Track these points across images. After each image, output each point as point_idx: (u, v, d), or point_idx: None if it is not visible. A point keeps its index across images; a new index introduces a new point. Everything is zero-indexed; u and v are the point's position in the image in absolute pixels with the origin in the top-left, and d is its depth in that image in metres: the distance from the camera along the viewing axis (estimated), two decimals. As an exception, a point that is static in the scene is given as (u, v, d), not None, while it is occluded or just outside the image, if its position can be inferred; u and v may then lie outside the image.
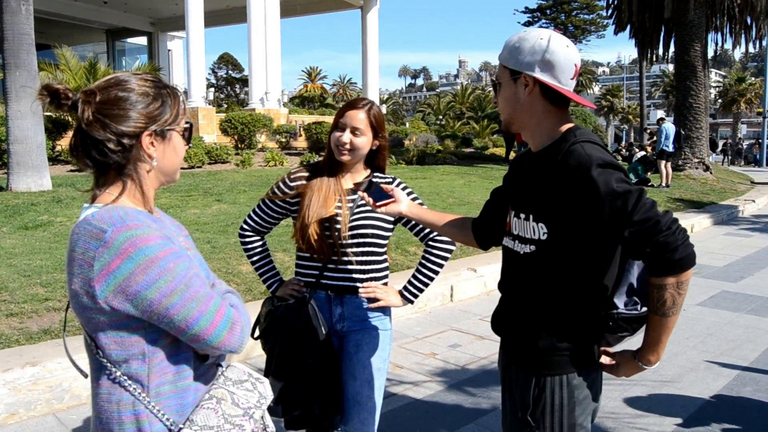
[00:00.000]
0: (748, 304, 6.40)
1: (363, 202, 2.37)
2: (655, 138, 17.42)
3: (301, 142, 19.06)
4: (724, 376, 4.45)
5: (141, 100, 1.43)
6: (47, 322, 4.40)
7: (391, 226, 2.52)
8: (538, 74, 1.71)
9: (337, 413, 2.42)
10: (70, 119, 12.90)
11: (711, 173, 18.26)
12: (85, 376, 1.48)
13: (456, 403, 3.99)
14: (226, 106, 36.60)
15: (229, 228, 7.34)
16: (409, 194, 2.47)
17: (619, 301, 1.75)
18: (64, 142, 13.13)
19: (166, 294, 1.33)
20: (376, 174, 2.56)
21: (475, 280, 6.72)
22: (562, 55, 1.70)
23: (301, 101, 54.88)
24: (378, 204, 2.16)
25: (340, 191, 2.45)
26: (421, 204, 2.42)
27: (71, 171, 11.89)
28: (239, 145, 16.69)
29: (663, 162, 15.44)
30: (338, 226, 2.39)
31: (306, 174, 2.51)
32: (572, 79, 1.73)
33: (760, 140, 37.26)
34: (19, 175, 9.24)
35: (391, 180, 2.55)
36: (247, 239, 2.65)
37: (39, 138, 9.45)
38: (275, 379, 2.38)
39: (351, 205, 2.44)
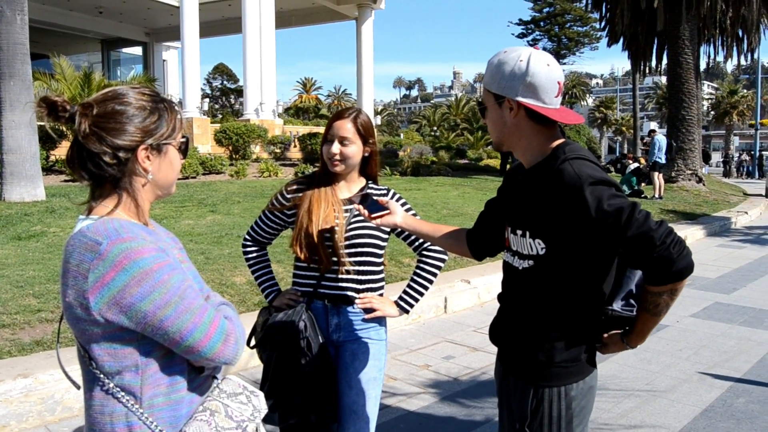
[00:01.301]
0: (740, 316, 6.42)
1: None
2: (647, 148, 17.50)
3: (295, 153, 19.06)
4: (717, 387, 4.46)
5: (138, 114, 1.44)
6: (40, 333, 4.38)
7: (386, 236, 2.55)
8: (521, 98, 1.71)
9: (333, 422, 2.43)
10: (64, 129, 12.87)
11: (704, 185, 18.36)
12: (78, 387, 1.48)
13: (449, 415, 3.99)
14: (220, 116, 36.58)
15: (223, 239, 7.33)
16: (403, 205, 2.50)
17: (617, 304, 1.78)
18: (59, 152, 13.11)
19: (161, 306, 1.33)
20: (370, 186, 2.58)
21: (468, 291, 6.72)
22: (543, 76, 1.70)
23: (295, 112, 54.93)
24: (373, 216, 2.19)
25: (336, 201, 2.47)
26: (414, 215, 2.45)
27: (65, 181, 11.86)
28: (234, 156, 16.68)
29: (656, 174, 15.52)
30: (335, 236, 2.41)
31: (302, 185, 2.54)
32: (557, 96, 1.73)
33: (752, 152, 37.46)
34: (12, 186, 9.21)
35: (385, 191, 2.58)
36: (248, 249, 2.69)
37: (33, 148, 9.43)
38: (272, 387, 2.39)
39: (347, 215, 2.47)
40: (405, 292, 2.59)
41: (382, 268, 2.58)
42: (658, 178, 15.46)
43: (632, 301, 1.78)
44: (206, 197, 10.33)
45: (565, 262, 1.71)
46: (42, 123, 11.62)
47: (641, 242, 1.58)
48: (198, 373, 1.48)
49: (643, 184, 16.82)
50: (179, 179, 1.71)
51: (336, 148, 2.43)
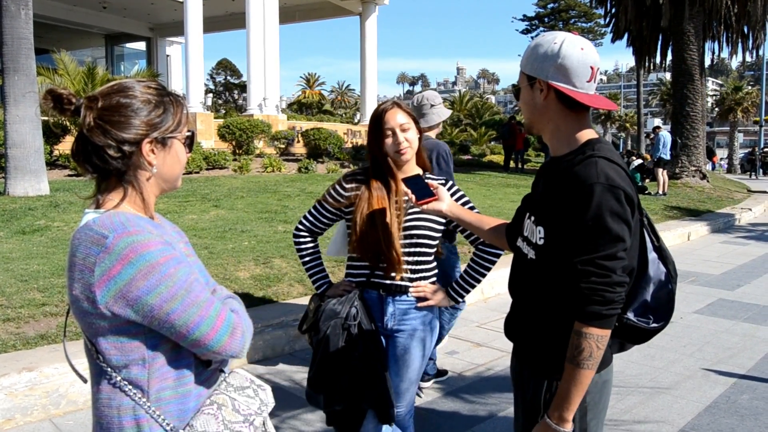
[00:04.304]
0: (744, 312, 6.41)
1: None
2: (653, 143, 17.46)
3: (299, 148, 19.07)
4: (721, 383, 4.46)
5: (143, 107, 1.43)
6: (44, 327, 4.39)
7: (441, 227, 2.58)
8: (552, 80, 1.71)
9: (391, 407, 2.49)
10: (68, 124, 12.90)
11: (708, 181, 18.32)
12: (85, 381, 1.48)
13: (453, 410, 3.99)
14: (224, 111, 36.62)
15: (226, 234, 7.34)
16: (460, 198, 2.56)
17: (631, 314, 1.75)
18: (63, 147, 13.12)
19: (167, 299, 1.33)
20: (428, 176, 2.63)
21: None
22: (576, 59, 1.69)
23: (299, 107, 54.93)
24: (420, 202, 2.20)
25: (394, 194, 2.51)
26: (471, 207, 2.52)
27: (69, 176, 11.88)
28: (237, 151, 16.68)
29: (660, 170, 15.48)
30: (395, 244, 2.46)
31: (360, 178, 2.59)
32: (589, 81, 1.71)
33: (758, 148, 37.14)
34: (16, 180, 9.22)
35: (443, 180, 2.62)
36: (301, 239, 2.74)
37: (37, 142, 9.44)
38: (319, 370, 2.46)
39: (405, 205, 2.51)
40: (457, 282, 2.66)
41: (434, 257, 2.64)
42: (662, 174, 15.42)
43: (649, 315, 1.75)
44: (210, 192, 10.34)
45: (558, 256, 1.70)
46: (46, 118, 11.64)
47: (588, 269, 1.59)
48: (205, 366, 1.48)
49: (647, 181, 16.78)
50: (183, 174, 1.71)
51: (401, 137, 2.48)
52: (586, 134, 1.76)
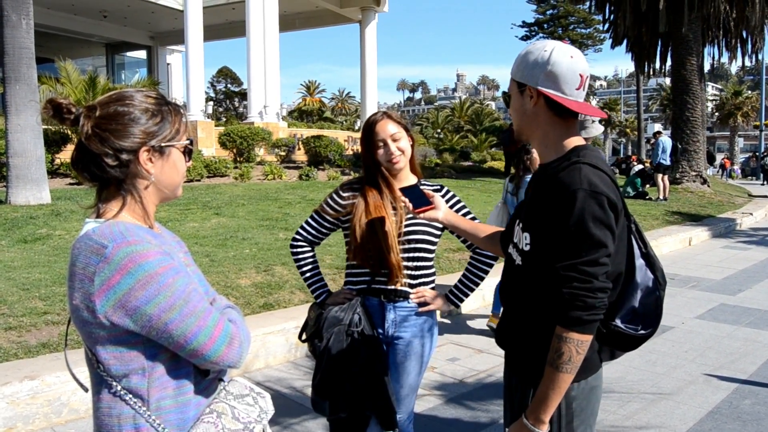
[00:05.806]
0: (746, 317, 6.40)
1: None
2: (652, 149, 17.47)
3: (300, 156, 19.08)
4: (723, 389, 4.45)
5: (140, 116, 1.44)
6: (46, 335, 4.39)
7: (439, 232, 2.62)
8: (542, 87, 1.73)
9: (395, 412, 2.51)
10: (69, 132, 12.93)
11: (708, 186, 18.31)
12: (86, 390, 1.49)
13: (455, 417, 3.99)
14: (224, 119, 36.59)
15: (227, 241, 7.34)
16: (457, 203, 2.60)
17: (619, 320, 1.76)
18: (64, 156, 13.14)
19: (165, 309, 1.34)
20: (423, 182, 2.64)
21: (474, 293, 6.69)
22: (565, 66, 1.71)
23: (299, 115, 54.99)
24: (417, 210, 2.23)
25: (390, 202, 2.54)
26: (466, 213, 2.56)
27: (70, 184, 11.89)
28: (238, 159, 16.70)
29: (660, 175, 15.48)
30: (392, 239, 2.48)
31: (357, 187, 2.62)
32: (578, 89, 1.74)
33: (757, 153, 37.06)
34: (18, 189, 9.24)
35: (438, 188, 2.64)
36: (299, 249, 2.75)
37: (38, 151, 9.45)
38: (325, 375, 2.48)
39: (403, 213, 2.53)
40: (456, 287, 2.70)
41: (433, 263, 2.66)
42: (662, 180, 15.42)
43: (637, 321, 1.76)
44: (211, 200, 10.35)
45: (543, 262, 1.70)
46: (47, 126, 11.66)
47: (570, 274, 1.60)
48: (204, 375, 1.49)
49: (647, 186, 16.78)
50: (184, 182, 1.72)
51: (393, 147, 2.51)
52: (574, 141, 1.78)
